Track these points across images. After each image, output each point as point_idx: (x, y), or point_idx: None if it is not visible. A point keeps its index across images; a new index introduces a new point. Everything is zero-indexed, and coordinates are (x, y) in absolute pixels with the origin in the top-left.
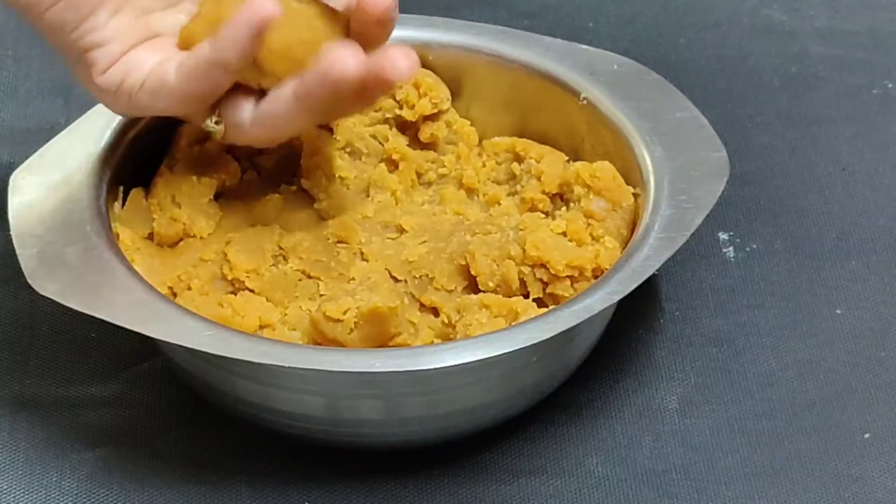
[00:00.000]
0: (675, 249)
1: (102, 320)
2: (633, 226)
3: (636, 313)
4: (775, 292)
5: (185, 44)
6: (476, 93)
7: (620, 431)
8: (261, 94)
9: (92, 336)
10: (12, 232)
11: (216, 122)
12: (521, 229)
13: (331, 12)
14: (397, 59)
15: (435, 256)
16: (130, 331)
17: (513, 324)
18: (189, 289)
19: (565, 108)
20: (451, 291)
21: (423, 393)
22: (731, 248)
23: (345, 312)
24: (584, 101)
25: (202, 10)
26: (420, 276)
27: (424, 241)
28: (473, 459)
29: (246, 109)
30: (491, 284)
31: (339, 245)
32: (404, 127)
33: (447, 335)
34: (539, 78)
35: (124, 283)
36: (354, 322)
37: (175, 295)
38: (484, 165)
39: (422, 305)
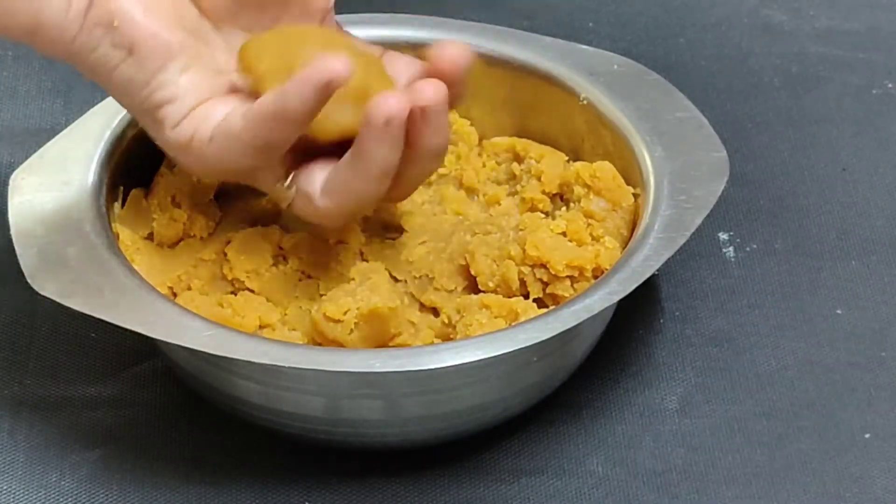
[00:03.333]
0: (675, 249)
1: (102, 320)
2: (633, 226)
3: (636, 313)
4: (775, 292)
5: (244, 65)
6: (476, 93)
7: (620, 431)
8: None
9: (92, 336)
10: (12, 232)
11: (287, 186)
12: (521, 229)
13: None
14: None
15: (435, 256)
16: (130, 331)
17: (513, 324)
18: (189, 289)
19: (565, 108)
20: (451, 291)
21: (423, 393)
22: (731, 248)
23: (345, 313)
24: (584, 101)
25: (268, 42)
26: (420, 276)
27: (424, 241)
28: (473, 459)
29: (318, 179)
30: (491, 284)
31: (339, 245)
32: None
33: (447, 335)
34: (539, 78)
35: (124, 283)
36: (354, 322)
37: (175, 295)
38: (484, 165)
39: (422, 305)
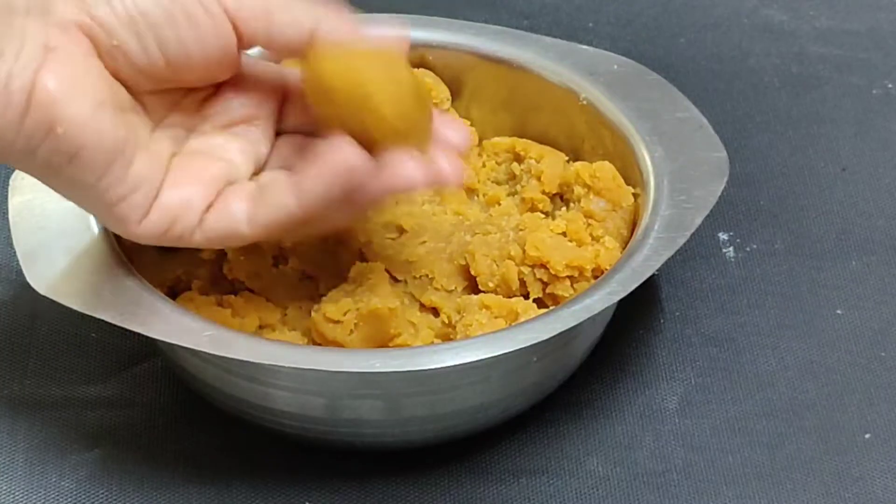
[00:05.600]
0: (675, 249)
1: (102, 320)
2: (633, 226)
3: (636, 313)
4: (775, 292)
5: (320, 91)
6: (476, 93)
7: (620, 431)
8: None
9: (92, 336)
10: (12, 232)
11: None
12: (521, 229)
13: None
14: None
15: (435, 256)
16: (130, 331)
17: (513, 324)
18: (189, 289)
19: (565, 108)
20: (451, 292)
21: (423, 393)
22: (731, 248)
23: (345, 313)
24: (584, 101)
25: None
26: (420, 277)
27: (424, 241)
28: (473, 459)
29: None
30: (491, 285)
31: (339, 245)
32: None
33: (447, 335)
34: (539, 78)
35: (124, 283)
36: (354, 323)
37: (175, 295)
38: (484, 165)
39: (422, 306)
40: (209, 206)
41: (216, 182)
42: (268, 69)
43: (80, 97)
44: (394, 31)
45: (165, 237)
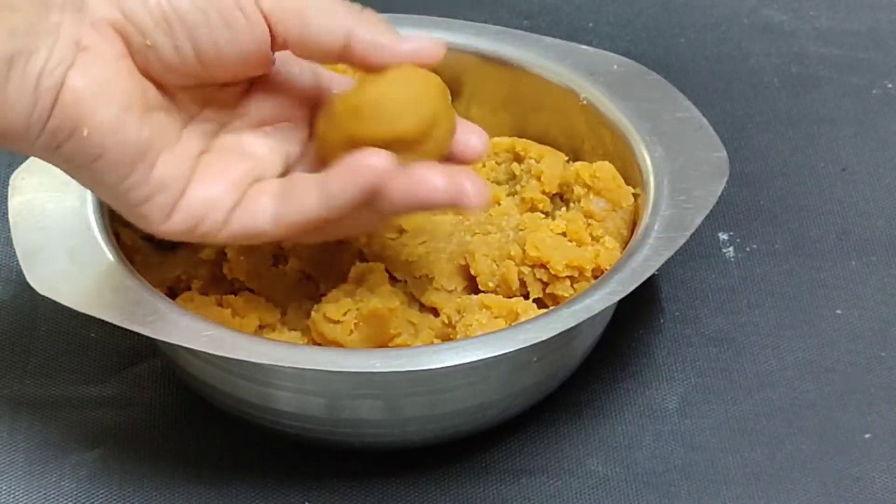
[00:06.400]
0: (675, 249)
1: (102, 320)
2: (633, 226)
3: (636, 313)
4: (775, 292)
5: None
6: (476, 93)
7: (620, 431)
8: None
9: (92, 336)
10: (12, 232)
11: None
12: (521, 229)
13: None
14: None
15: (435, 256)
16: (130, 331)
17: (513, 324)
18: (189, 289)
19: (565, 108)
20: (451, 292)
21: (423, 393)
22: (731, 248)
23: (344, 313)
24: (584, 101)
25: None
26: (420, 276)
27: (424, 242)
28: (473, 459)
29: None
30: (491, 285)
31: (339, 245)
32: None
33: (447, 335)
34: (539, 78)
35: (124, 283)
36: (354, 323)
37: (175, 295)
38: (484, 165)
39: (422, 306)
40: (236, 205)
41: (244, 181)
42: (304, 70)
43: (107, 100)
44: (428, 40)
45: (190, 235)
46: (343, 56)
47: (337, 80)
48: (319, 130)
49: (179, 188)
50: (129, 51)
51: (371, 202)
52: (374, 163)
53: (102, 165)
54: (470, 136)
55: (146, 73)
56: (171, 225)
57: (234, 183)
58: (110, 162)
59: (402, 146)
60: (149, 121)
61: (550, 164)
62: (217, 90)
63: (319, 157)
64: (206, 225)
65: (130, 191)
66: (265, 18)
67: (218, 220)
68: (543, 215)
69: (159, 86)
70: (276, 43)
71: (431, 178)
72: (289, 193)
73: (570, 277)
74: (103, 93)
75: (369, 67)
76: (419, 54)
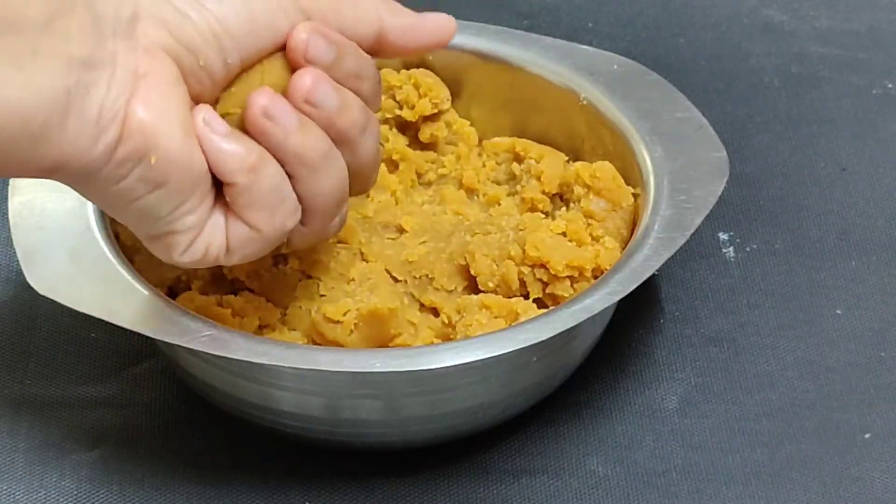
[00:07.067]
0: (675, 249)
1: (102, 320)
2: (633, 226)
3: (636, 313)
4: (775, 292)
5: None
6: (476, 93)
7: (620, 431)
8: None
9: (92, 336)
10: (12, 232)
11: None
12: (521, 229)
13: None
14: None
15: (435, 256)
16: (130, 331)
17: (513, 324)
18: (189, 289)
19: (565, 108)
20: (451, 292)
21: (423, 393)
22: (731, 248)
23: (345, 314)
24: (584, 101)
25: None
26: (420, 277)
27: (424, 241)
28: (473, 459)
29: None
30: (491, 285)
31: (339, 245)
32: (404, 127)
33: (447, 335)
34: (539, 78)
35: (124, 283)
36: (354, 323)
37: (175, 295)
38: (484, 165)
39: (422, 306)
40: (227, 223)
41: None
42: None
43: (172, 126)
44: (441, 16)
45: (202, 262)
46: (376, 44)
47: None
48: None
49: (207, 217)
50: (183, 73)
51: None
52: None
53: (163, 193)
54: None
55: (195, 97)
56: (188, 254)
57: (221, 203)
58: (172, 189)
59: None
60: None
61: (550, 164)
62: None
63: None
64: (214, 250)
65: (176, 220)
66: (305, 17)
67: (221, 243)
68: (543, 215)
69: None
70: None
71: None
72: None
73: (570, 277)
74: (167, 119)
75: (402, 52)
76: (442, 30)
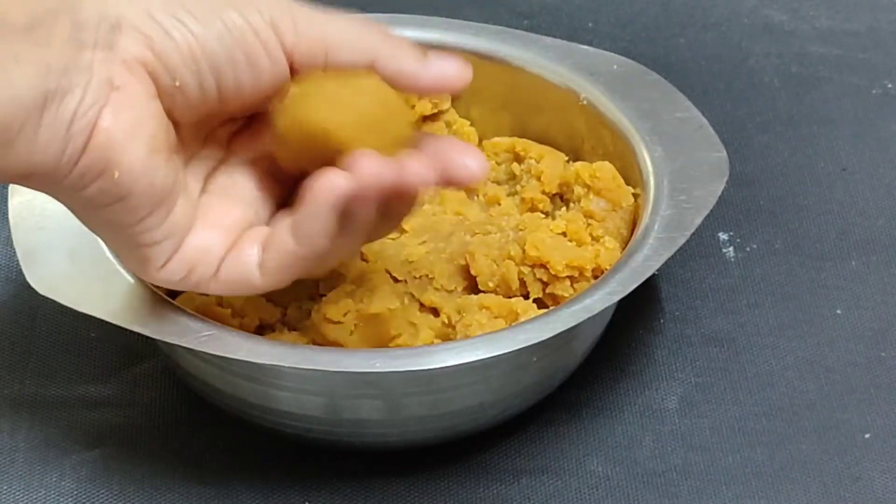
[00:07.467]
0: (675, 249)
1: (102, 320)
2: (633, 226)
3: (636, 313)
4: (775, 292)
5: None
6: (476, 93)
7: (620, 431)
8: None
9: (92, 336)
10: (12, 232)
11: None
12: (521, 229)
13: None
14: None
15: (435, 256)
16: (130, 331)
17: (513, 324)
18: None
19: (565, 108)
20: (451, 292)
21: (423, 393)
22: (731, 248)
23: (345, 314)
24: (584, 101)
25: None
26: (420, 277)
27: (424, 242)
28: (473, 459)
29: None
30: (491, 285)
31: None
32: None
33: (447, 335)
34: (539, 78)
35: (124, 283)
36: (354, 324)
37: (175, 295)
38: None
39: (422, 306)
40: (227, 253)
41: (236, 228)
42: None
43: (138, 142)
44: (454, 64)
45: (182, 283)
46: None
47: None
48: (272, 118)
49: (183, 234)
50: (158, 91)
51: (344, 226)
52: (331, 183)
53: (123, 207)
54: (464, 158)
55: (169, 114)
56: (165, 272)
57: (227, 230)
58: (134, 203)
59: (352, 132)
60: (172, 163)
61: (550, 164)
62: (218, 126)
63: (275, 150)
64: (198, 273)
65: (143, 233)
66: (287, 56)
67: (210, 269)
68: (543, 215)
69: (175, 125)
70: (295, 75)
71: (370, 167)
72: (270, 238)
73: (570, 277)
74: (134, 135)
75: (399, 86)
76: (445, 81)
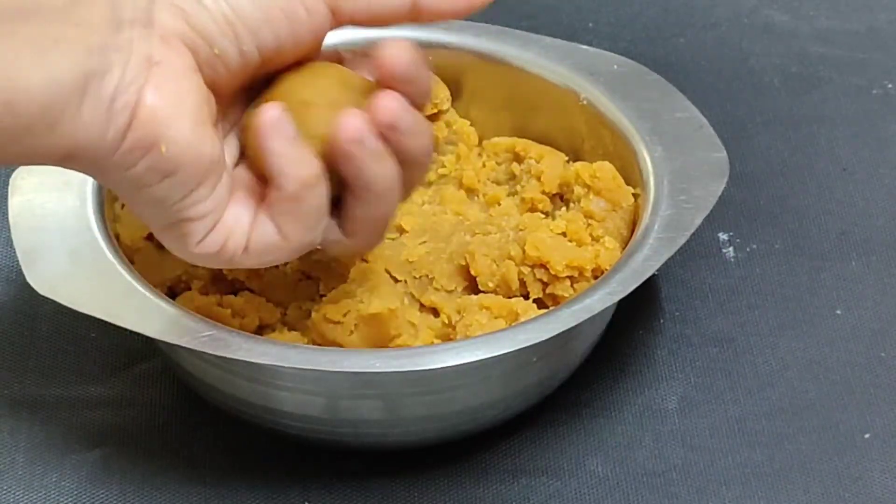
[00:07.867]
0: (675, 249)
1: (102, 320)
2: (633, 226)
3: (636, 313)
4: (775, 292)
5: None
6: (476, 93)
7: (620, 431)
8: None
9: (92, 336)
10: (12, 232)
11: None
12: (521, 229)
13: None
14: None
15: (435, 257)
16: (130, 331)
17: (513, 324)
18: (189, 289)
19: (565, 108)
20: (451, 292)
21: (423, 393)
22: (731, 248)
23: (345, 314)
24: (584, 101)
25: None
26: (420, 277)
27: (424, 242)
28: (473, 459)
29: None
30: (491, 285)
31: None
32: None
33: (447, 335)
34: (539, 78)
35: (124, 283)
36: (354, 324)
37: (175, 295)
38: (484, 166)
39: (422, 306)
40: (252, 222)
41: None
42: None
43: (182, 115)
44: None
45: (217, 258)
46: (411, 13)
47: None
48: (241, 138)
49: (224, 207)
50: (198, 63)
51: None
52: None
53: (173, 182)
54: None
55: (212, 85)
56: (202, 246)
57: (250, 200)
58: (183, 178)
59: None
60: (216, 135)
61: (550, 164)
62: (248, 91)
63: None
64: (231, 247)
65: (189, 207)
66: (329, 3)
67: (241, 242)
68: (543, 215)
69: (216, 96)
70: (339, 22)
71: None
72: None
73: (570, 277)
74: (178, 108)
75: (441, 17)
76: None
